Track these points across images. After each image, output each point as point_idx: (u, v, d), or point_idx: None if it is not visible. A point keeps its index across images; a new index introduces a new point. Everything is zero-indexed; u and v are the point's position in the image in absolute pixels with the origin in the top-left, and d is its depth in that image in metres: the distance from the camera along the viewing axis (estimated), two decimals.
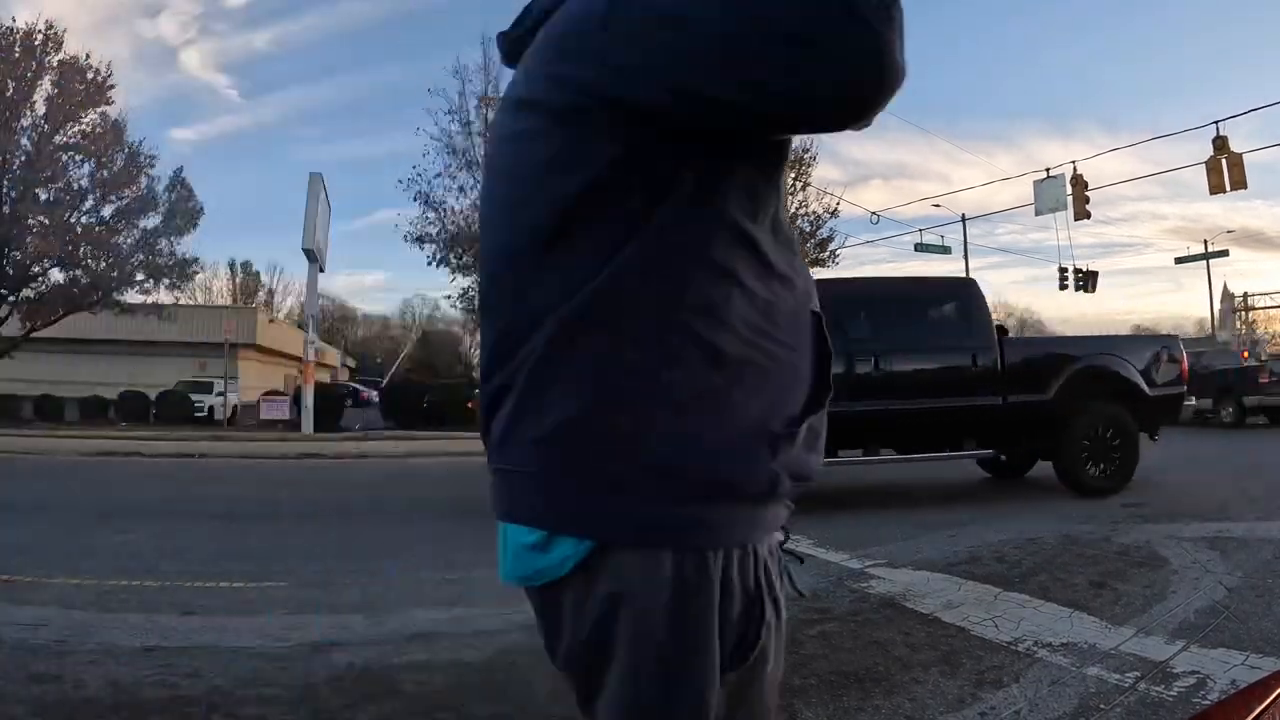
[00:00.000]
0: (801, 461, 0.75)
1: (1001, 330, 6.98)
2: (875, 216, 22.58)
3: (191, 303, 34.06)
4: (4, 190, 19.40)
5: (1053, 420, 6.46)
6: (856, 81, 0.61)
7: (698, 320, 0.70)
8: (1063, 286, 25.41)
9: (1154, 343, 7.33)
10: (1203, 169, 14.40)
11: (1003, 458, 7.32)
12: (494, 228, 0.79)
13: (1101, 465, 6.54)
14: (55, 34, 19.74)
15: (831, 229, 22.42)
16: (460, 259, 20.85)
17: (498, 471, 0.77)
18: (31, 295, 20.60)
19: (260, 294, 53.38)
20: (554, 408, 0.70)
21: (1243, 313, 33.94)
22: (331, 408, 19.78)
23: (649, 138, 0.69)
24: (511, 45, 0.85)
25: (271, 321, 35.08)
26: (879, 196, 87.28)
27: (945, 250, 24.93)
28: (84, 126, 20.21)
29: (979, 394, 6.37)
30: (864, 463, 6.70)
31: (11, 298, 20.15)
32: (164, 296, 23.05)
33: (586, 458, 0.69)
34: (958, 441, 6.50)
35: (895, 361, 6.43)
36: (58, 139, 19.88)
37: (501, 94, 0.91)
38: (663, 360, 0.69)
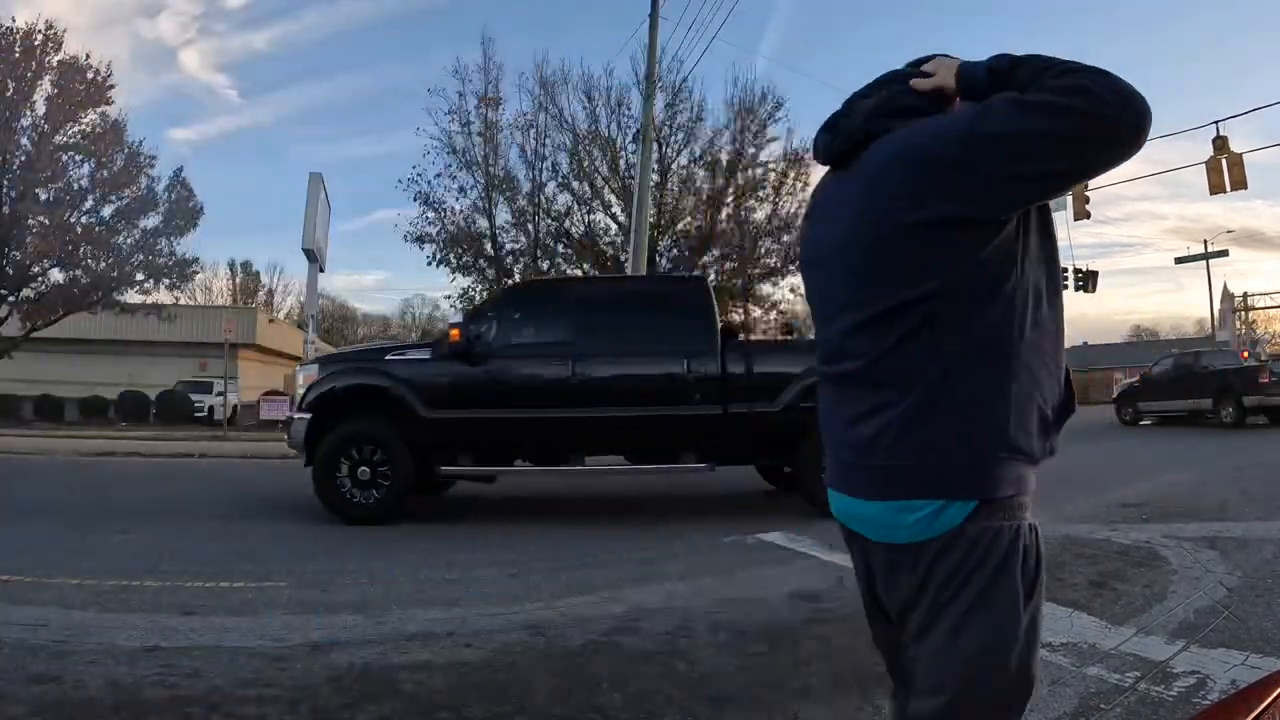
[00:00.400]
0: (1055, 444, 1.11)
1: (729, 332, 6.39)
2: None
3: (191, 303, 34.08)
4: (4, 190, 19.38)
5: (782, 431, 5.82)
6: (1138, 125, 0.96)
7: (1027, 353, 1.05)
8: (1063, 286, 25.38)
9: None
10: (1203, 169, 14.40)
11: (788, 469, 6.49)
12: (874, 297, 1.08)
13: None
14: (55, 34, 19.74)
15: None
16: (460, 259, 20.84)
17: (885, 468, 1.09)
18: (31, 295, 20.60)
19: (260, 294, 53.41)
20: (942, 420, 1.05)
21: (1243, 313, 33.91)
22: None
23: (1013, 226, 1.03)
24: (837, 154, 1.19)
25: (271, 321, 35.06)
26: None
27: None
28: (84, 126, 20.20)
29: (697, 402, 5.80)
30: (581, 472, 6.25)
31: (11, 298, 20.14)
32: (164, 296, 23.08)
33: (968, 449, 1.04)
34: (674, 452, 5.93)
35: (604, 366, 5.90)
36: (58, 139, 19.87)
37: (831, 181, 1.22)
38: (1009, 383, 1.04)
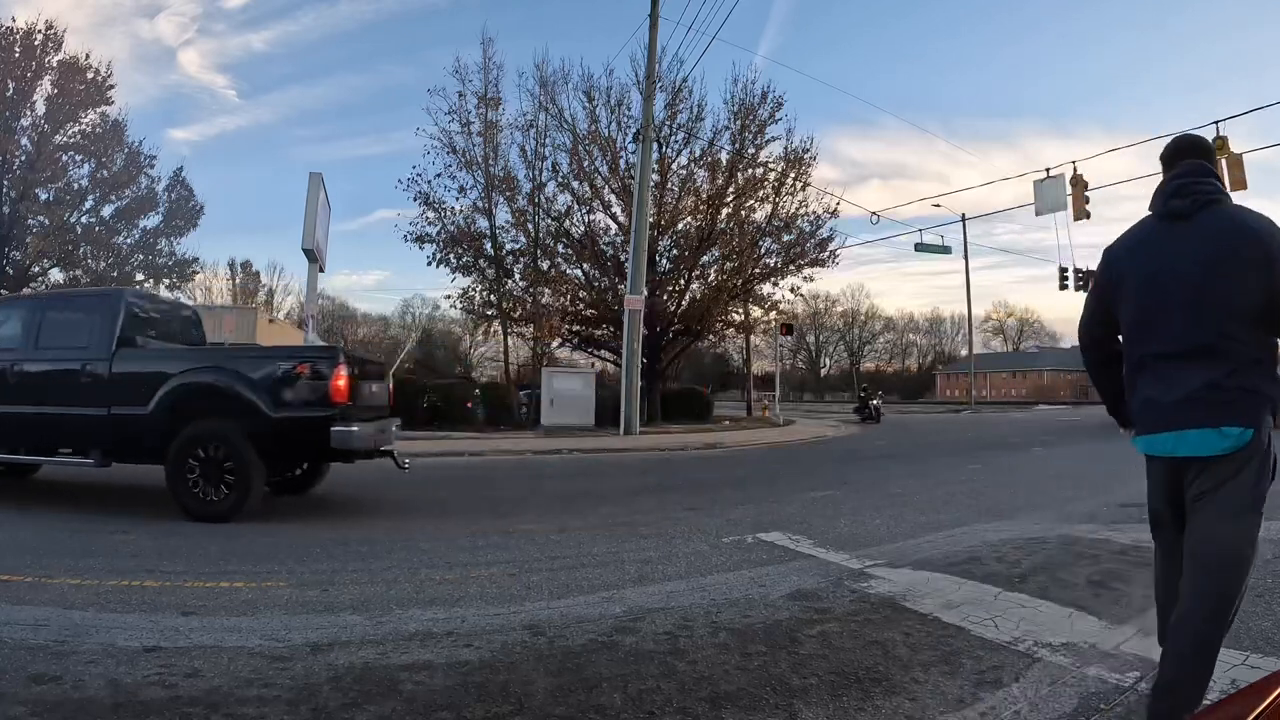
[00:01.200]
0: None
1: (127, 342, 6.65)
2: (875, 217, 22.55)
3: (191, 303, 34.04)
4: (4, 190, 19.40)
5: (155, 435, 6.19)
6: None
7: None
8: (1063, 286, 25.42)
9: (288, 356, 6.38)
10: None
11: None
12: (1212, 307, 2.04)
13: (216, 489, 6.05)
14: (55, 34, 19.77)
15: (832, 229, 22.41)
16: (460, 259, 20.83)
17: (1213, 406, 2.02)
18: None
19: (260, 294, 53.44)
20: (1244, 383, 2.00)
21: None
22: None
23: None
24: (1178, 211, 2.15)
25: (271, 321, 35.01)
26: (877, 197, 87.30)
27: (945, 250, 24.94)
28: (84, 126, 20.25)
29: (88, 404, 6.39)
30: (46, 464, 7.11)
31: None
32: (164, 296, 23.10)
33: (1256, 403, 2.01)
34: (85, 449, 6.51)
35: (27, 369, 6.61)
36: (58, 139, 19.91)
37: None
38: (1278, 373, 2.05)
